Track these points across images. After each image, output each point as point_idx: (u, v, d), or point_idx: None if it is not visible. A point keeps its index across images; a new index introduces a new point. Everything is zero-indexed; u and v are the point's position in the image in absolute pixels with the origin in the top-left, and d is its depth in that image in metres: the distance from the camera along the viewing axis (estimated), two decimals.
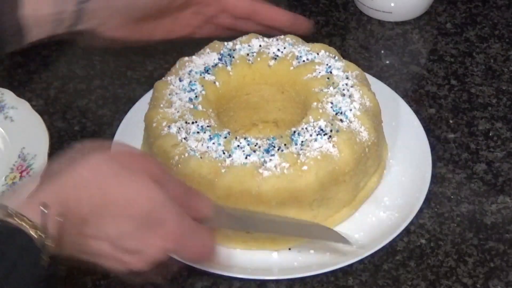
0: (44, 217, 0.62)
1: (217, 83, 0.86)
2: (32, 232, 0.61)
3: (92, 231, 0.66)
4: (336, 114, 0.81)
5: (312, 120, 0.80)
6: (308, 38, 0.93)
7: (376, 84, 0.92)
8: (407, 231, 0.82)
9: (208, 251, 0.73)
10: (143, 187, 0.67)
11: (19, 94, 0.94)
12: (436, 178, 0.86)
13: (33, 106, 0.92)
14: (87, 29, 0.88)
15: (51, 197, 0.63)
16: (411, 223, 0.82)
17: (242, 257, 0.80)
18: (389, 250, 0.80)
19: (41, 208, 0.62)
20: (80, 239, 0.66)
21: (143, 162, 0.69)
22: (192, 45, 1.02)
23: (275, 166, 0.77)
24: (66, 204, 0.63)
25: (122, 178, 0.66)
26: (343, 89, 0.83)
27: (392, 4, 1.04)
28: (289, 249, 0.80)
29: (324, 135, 0.79)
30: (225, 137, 0.79)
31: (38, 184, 0.65)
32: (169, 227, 0.68)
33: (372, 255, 0.79)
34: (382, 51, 1.03)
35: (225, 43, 0.89)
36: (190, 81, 0.85)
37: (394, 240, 0.80)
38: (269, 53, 0.88)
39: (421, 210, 0.83)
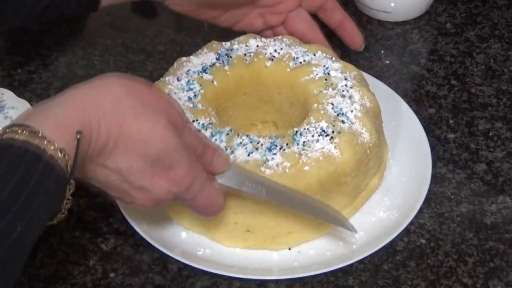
0: (76, 143, 0.62)
1: (214, 82, 0.86)
2: (59, 155, 0.60)
3: (104, 161, 0.66)
4: (338, 115, 0.81)
5: (314, 121, 0.80)
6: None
7: (376, 84, 0.92)
8: (407, 231, 0.82)
9: (213, 207, 0.74)
10: (159, 127, 0.67)
11: (19, 94, 0.94)
12: (436, 178, 0.86)
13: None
14: (155, 1, 0.92)
15: (74, 122, 0.63)
16: (411, 223, 0.82)
17: (242, 257, 0.80)
18: (389, 250, 0.80)
19: (77, 135, 0.62)
20: (93, 166, 0.67)
21: (165, 104, 0.69)
22: (191, 45, 1.02)
23: (277, 165, 0.77)
24: (88, 131, 0.63)
25: (140, 114, 0.66)
26: (343, 90, 0.83)
27: (392, 4, 1.04)
28: (289, 249, 0.80)
29: (325, 136, 0.79)
30: (227, 134, 0.79)
31: (58, 103, 0.64)
32: (177, 171, 0.69)
33: (372, 255, 0.79)
34: (382, 51, 1.03)
35: (223, 43, 0.89)
36: (188, 81, 0.85)
37: (394, 240, 0.80)
38: (266, 53, 0.88)
39: (421, 210, 0.83)
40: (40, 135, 0.60)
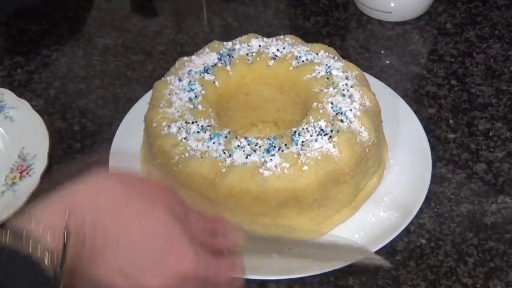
0: (64, 245, 0.59)
1: (216, 83, 0.86)
2: (45, 261, 0.58)
3: (105, 263, 0.62)
4: (337, 114, 0.81)
5: (313, 120, 0.80)
6: (308, 38, 0.93)
7: (376, 84, 0.92)
8: (407, 231, 0.82)
9: (232, 283, 0.68)
10: (162, 223, 0.63)
11: (19, 94, 0.94)
12: (436, 178, 0.86)
13: (33, 106, 0.92)
14: None
15: (63, 224, 0.60)
16: (411, 223, 0.82)
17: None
18: (389, 250, 0.80)
19: (64, 236, 0.59)
20: (93, 270, 0.62)
21: (162, 194, 0.65)
22: (191, 45, 1.02)
23: (276, 166, 0.77)
24: (81, 234, 0.60)
25: (140, 209, 0.63)
26: (343, 89, 0.83)
27: (392, 4, 1.04)
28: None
29: (324, 135, 0.79)
30: (226, 137, 0.79)
31: (49, 206, 0.61)
32: (185, 266, 0.63)
33: None
34: (382, 51, 1.03)
35: (225, 43, 0.89)
36: (190, 81, 0.85)
37: (394, 240, 0.80)
38: (268, 53, 0.88)
39: (421, 210, 0.83)
40: (28, 240, 0.58)
